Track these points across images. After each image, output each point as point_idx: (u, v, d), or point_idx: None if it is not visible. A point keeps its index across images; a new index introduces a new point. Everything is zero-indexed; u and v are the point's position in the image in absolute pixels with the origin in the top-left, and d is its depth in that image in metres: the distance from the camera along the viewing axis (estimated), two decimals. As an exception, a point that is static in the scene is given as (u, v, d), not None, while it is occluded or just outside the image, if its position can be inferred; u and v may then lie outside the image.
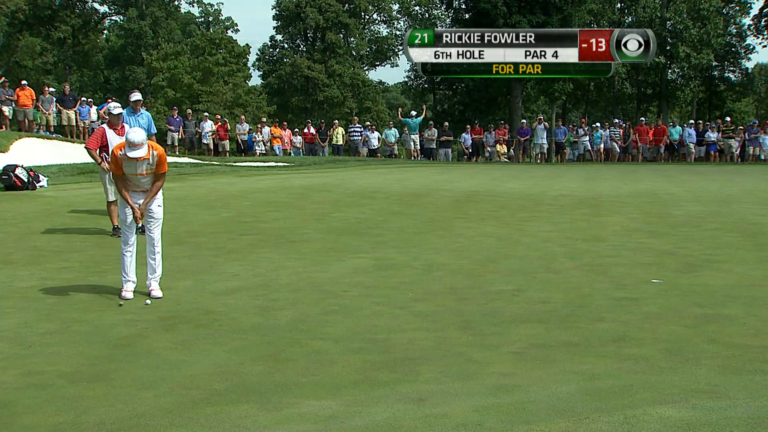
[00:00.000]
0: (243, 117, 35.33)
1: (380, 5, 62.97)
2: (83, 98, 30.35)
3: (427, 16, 62.63)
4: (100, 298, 7.67)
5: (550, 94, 55.24)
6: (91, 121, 28.20)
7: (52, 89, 29.19)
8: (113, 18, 66.98)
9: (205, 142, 30.74)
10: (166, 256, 9.72)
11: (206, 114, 33.79)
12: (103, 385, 5.22)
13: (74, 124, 28.01)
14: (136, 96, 12.11)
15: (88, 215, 12.63)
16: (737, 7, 54.74)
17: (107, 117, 11.45)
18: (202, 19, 71.52)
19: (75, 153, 19.31)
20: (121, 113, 11.42)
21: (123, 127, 11.12)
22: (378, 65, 65.84)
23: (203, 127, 30.76)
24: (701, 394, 4.73)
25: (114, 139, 10.88)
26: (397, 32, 64.62)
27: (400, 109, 40.93)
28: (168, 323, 6.78)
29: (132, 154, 7.45)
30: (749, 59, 56.00)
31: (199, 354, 5.90)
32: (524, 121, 37.08)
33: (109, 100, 29.92)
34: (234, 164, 24.50)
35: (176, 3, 66.80)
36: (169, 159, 24.36)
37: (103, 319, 6.92)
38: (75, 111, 28.09)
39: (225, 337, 6.33)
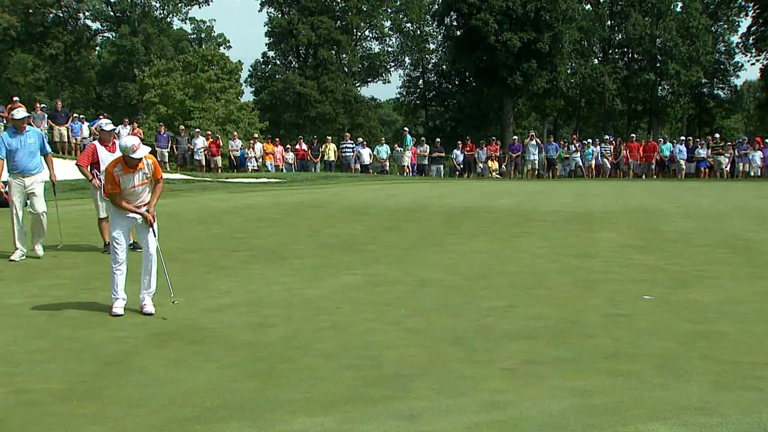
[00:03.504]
0: (235, 133, 35.39)
1: (372, 22, 63.25)
2: (75, 114, 30.38)
3: (419, 32, 62.96)
4: (91, 315, 7.63)
5: (542, 111, 55.58)
6: (83, 138, 28.22)
7: (43, 105, 29.21)
8: (105, 34, 67.17)
9: (197, 158, 30.77)
10: (156, 272, 9.70)
11: (198, 130, 33.81)
12: (93, 403, 5.18)
13: (66, 140, 28.02)
14: (21, 113, 10.63)
15: (79, 232, 12.57)
16: (725, 25, 55.35)
17: (98, 133, 11.40)
18: (195, 35, 71.67)
19: (66, 169, 19.25)
20: (113, 129, 11.33)
21: (114, 143, 11.07)
22: (370, 81, 66.11)
23: (195, 144, 30.80)
24: (693, 411, 4.73)
25: (105, 156, 10.80)
26: (389, 49, 64.98)
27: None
28: (159, 340, 6.75)
29: (136, 155, 7.45)
30: (738, 76, 56.59)
31: (191, 371, 5.87)
32: (516, 137, 37.27)
33: (101, 117, 30.01)
34: (226, 180, 24.49)
35: (168, 20, 66.97)
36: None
37: (93, 336, 6.88)
38: (67, 127, 28.10)
39: (217, 354, 6.30)
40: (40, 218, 10.61)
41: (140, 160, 7.55)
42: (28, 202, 10.68)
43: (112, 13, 63.27)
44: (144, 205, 7.81)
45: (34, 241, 10.70)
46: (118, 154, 10.87)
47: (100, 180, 10.81)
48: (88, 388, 5.51)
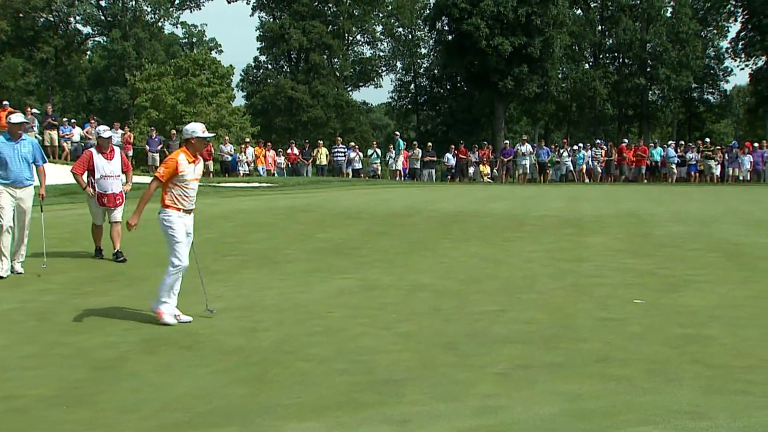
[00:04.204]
0: (227, 138, 35.35)
1: (364, 27, 63.35)
2: (65, 118, 30.30)
3: (410, 37, 63.06)
4: (83, 320, 7.60)
5: (533, 115, 55.73)
6: (74, 142, 28.19)
7: (34, 110, 29.14)
8: (96, 39, 67.00)
9: None
10: (148, 277, 9.70)
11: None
12: (84, 409, 5.16)
13: (57, 144, 27.97)
14: (18, 117, 9.94)
15: (70, 236, 12.53)
16: (715, 30, 55.67)
17: (96, 140, 11.07)
18: (186, 40, 71.53)
19: (57, 174, 19.19)
20: (111, 136, 11.04)
21: (113, 150, 10.83)
22: (361, 86, 66.18)
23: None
24: (683, 415, 4.74)
25: (101, 163, 10.59)
26: (381, 53, 65.05)
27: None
28: (151, 345, 6.73)
29: (208, 134, 7.64)
30: (727, 81, 56.95)
31: (183, 376, 5.86)
32: (507, 141, 37.36)
33: (92, 120, 29.86)
34: (217, 185, 24.43)
35: (160, 24, 66.86)
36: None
37: (85, 341, 6.86)
38: (57, 131, 28.09)
39: (208, 359, 6.29)
40: (23, 234, 9.83)
41: (208, 143, 7.64)
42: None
43: (103, 18, 63.11)
44: (192, 210, 7.73)
45: (14, 258, 9.85)
46: (116, 161, 10.75)
47: (94, 188, 10.67)
48: (79, 393, 5.49)
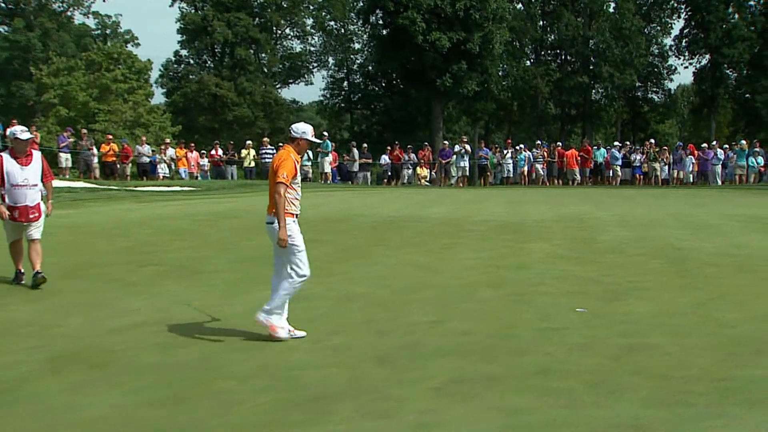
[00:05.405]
0: (144, 138, 34.78)
1: (293, 20, 63.09)
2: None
3: (342, 31, 63.08)
4: (-19, 338, 7.37)
5: (473, 114, 56.32)
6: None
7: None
8: (-4, 28, 65.05)
9: (91, 153, 30.13)
10: (56, 290, 9.47)
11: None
12: (-19, 436, 5.01)
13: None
14: None
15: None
16: (659, 27, 57.22)
17: (11, 143, 9.86)
18: (99, 31, 70.03)
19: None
20: (30, 138, 9.86)
21: (30, 155, 9.74)
22: (291, 83, 65.85)
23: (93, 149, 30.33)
24: (624, 429, 4.85)
25: (14, 170, 9.54)
26: (312, 48, 64.89)
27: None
28: (57, 364, 6.57)
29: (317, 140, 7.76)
30: (672, 80, 58.59)
31: (92, 397, 5.73)
32: (446, 142, 37.67)
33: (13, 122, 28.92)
34: (134, 189, 24.02)
35: (69, 14, 65.34)
36: (62, 183, 23.46)
37: (-18, 361, 6.65)
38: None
39: (122, 378, 6.17)
40: None
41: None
42: None
43: (3, 5, 61.35)
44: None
45: None
46: (33, 168, 9.63)
47: (3, 198, 9.61)
48: (-25, 419, 5.32)
